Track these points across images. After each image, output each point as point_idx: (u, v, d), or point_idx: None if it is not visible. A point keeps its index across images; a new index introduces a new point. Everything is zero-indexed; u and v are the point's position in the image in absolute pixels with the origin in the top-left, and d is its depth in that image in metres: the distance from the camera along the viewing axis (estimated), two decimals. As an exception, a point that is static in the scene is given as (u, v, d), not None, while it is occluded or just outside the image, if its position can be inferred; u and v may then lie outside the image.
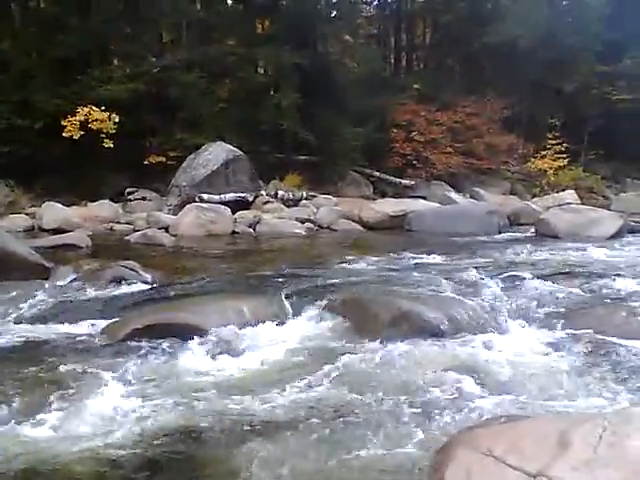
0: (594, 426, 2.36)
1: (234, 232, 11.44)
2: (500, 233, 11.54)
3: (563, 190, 17.51)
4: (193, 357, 4.13)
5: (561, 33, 21.72)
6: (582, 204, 14.62)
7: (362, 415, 3.23)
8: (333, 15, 20.38)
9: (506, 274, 6.51)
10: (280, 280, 6.50)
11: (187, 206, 11.97)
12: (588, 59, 22.21)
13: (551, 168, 19.95)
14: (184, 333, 4.48)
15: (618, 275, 6.53)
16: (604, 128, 22.66)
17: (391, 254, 8.38)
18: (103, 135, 13.91)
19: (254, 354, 4.20)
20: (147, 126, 15.51)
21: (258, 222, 12.05)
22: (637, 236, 10.60)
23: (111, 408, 3.29)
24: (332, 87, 17.88)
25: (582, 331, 4.52)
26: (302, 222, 12.31)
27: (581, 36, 21.63)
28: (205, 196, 12.93)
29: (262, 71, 19.89)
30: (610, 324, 4.64)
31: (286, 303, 5.29)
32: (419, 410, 3.25)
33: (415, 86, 23.21)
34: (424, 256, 8.22)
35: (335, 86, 18.10)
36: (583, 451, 2.26)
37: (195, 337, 4.43)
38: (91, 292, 5.97)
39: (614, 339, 4.35)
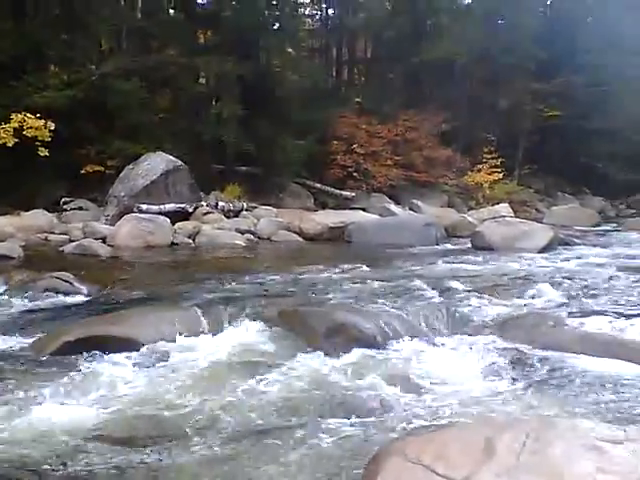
0: (518, 433, 2.44)
1: (173, 243, 11.31)
2: (437, 245, 11.76)
3: (498, 203, 17.96)
4: (125, 370, 4.07)
5: (496, 51, 22.38)
6: (516, 217, 15.02)
7: (294, 425, 3.25)
8: (276, 27, 20.45)
9: (441, 285, 6.63)
10: (218, 291, 6.49)
11: (125, 216, 11.78)
12: (522, 77, 22.90)
13: (487, 182, 20.45)
14: (117, 346, 4.42)
15: (547, 286, 6.76)
16: (537, 143, 23.44)
17: (330, 265, 8.44)
18: (38, 143, 13.52)
19: (187, 366, 4.17)
20: (85, 135, 15.17)
21: (198, 233, 11.95)
22: (567, 248, 10.97)
23: (36, 423, 3.21)
24: (274, 99, 17.92)
25: (511, 341, 4.67)
26: (242, 233, 12.27)
27: (515, 55, 22.32)
28: (144, 206, 12.73)
29: (203, 81, 19.78)
30: (538, 334, 4.80)
31: (223, 315, 5.28)
32: (352, 420, 3.29)
33: (356, 99, 23.49)
34: (362, 267, 8.31)
35: (277, 98, 18.14)
36: (507, 458, 2.32)
37: (128, 350, 4.37)
38: (21, 304, 5.82)
39: (541, 349, 4.50)
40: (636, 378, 3.97)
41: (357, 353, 4.41)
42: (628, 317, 5.17)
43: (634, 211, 22.56)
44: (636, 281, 7.28)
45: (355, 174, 19.29)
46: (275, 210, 15.06)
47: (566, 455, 2.25)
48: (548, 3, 27.91)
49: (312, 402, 3.54)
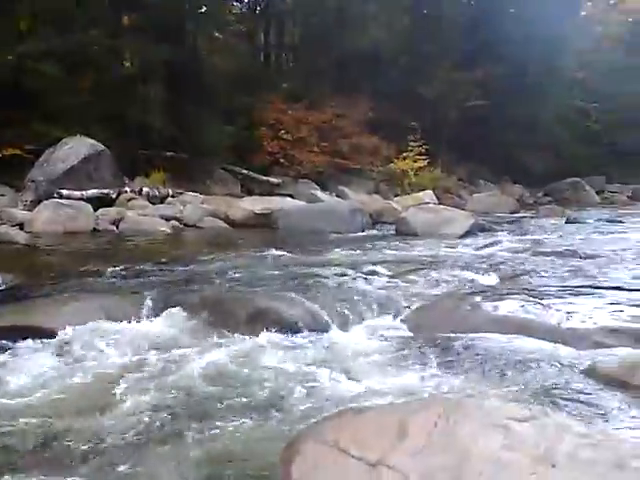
0: (430, 414, 2.50)
1: (95, 229, 11.05)
2: (363, 231, 11.92)
3: (423, 190, 18.33)
4: (42, 360, 3.97)
5: (421, 41, 22.76)
6: (440, 204, 15.38)
7: (213, 413, 3.24)
8: (202, 11, 20.10)
9: (363, 270, 6.73)
10: (140, 278, 6.39)
11: (44, 202, 11.42)
12: (445, 67, 23.36)
13: (412, 169, 20.83)
14: (35, 336, 4.30)
15: (466, 270, 6.97)
16: (460, 132, 23.99)
17: (255, 252, 8.44)
18: (-50, 126, 12.95)
19: (109, 355, 4.10)
20: (1, 117, 14.58)
21: (121, 219, 11.70)
22: (486, 234, 11.31)
23: None
24: (201, 83, 17.65)
25: (428, 325, 4.79)
26: (167, 220, 12.08)
27: (439, 45, 22.76)
28: (64, 192, 12.35)
29: (128, 64, 19.27)
30: (454, 317, 4.94)
31: (145, 302, 5.19)
32: (272, 406, 3.31)
33: (284, 85, 23.43)
34: (288, 254, 8.34)
35: (204, 83, 17.88)
36: (419, 438, 2.39)
37: (47, 339, 4.26)
38: None
39: (457, 332, 4.63)
40: (546, 356, 4.14)
41: (278, 339, 4.43)
42: (541, 298, 5.38)
43: (550, 198, 23.42)
44: (548, 264, 7.59)
45: (282, 160, 19.31)
46: (202, 196, 14.90)
47: (474, 434, 2.33)
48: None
49: (229, 389, 3.54)
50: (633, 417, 3.21)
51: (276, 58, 27.34)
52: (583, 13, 31.12)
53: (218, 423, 3.11)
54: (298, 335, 4.57)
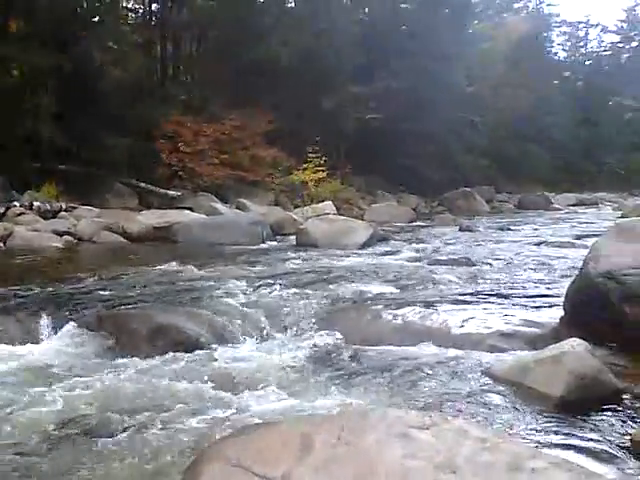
0: (334, 427, 2.50)
1: (-20, 247, 10.45)
2: (264, 242, 11.88)
3: (323, 201, 18.51)
4: None
5: (319, 54, 23.08)
6: (339, 214, 15.57)
7: (112, 435, 3.12)
8: (96, 20, 19.52)
9: (265, 283, 6.68)
10: (33, 297, 6.05)
11: None
12: (343, 80, 23.79)
13: (312, 180, 21.00)
14: None
15: (366, 280, 7.09)
16: (359, 144, 24.48)
17: (154, 266, 8.21)
18: None
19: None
20: None
21: (10, 235, 11.09)
22: (385, 244, 11.53)
23: None
24: (95, 95, 17.13)
25: (330, 336, 4.81)
26: (60, 235, 11.56)
27: (336, 58, 23.17)
28: (-54, 207, 11.64)
29: (16, 73, 18.40)
30: (356, 328, 5.00)
31: (40, 322, 4.95)
32: (172, 424, 3.22)
33: (182, 97, 23.10)
34: (187, 267, 8.15)
35: (99, 93, 17.36)
36: (323, 452, 2.38)
37: None
38: None
39: (359, 343, 4.70)
40: (445, 362, 4.27)
41: (179, 356, 4.34)
42: (438, 305, 5.54)
43: (444, 208, 24.24)
44: (444, 272, 7.83)
45: (181, 173, 19.02)
46: (97, 210, 14.40)
47: (377, 444, 2.35)
48: (366, 11, 29.20)
49: (129, 409, 3.42)
50: (527, 417, 3.36)
51: (174, 70, 26.88)
52: (470, 31, 32.47)
53: (114, 448, 2.99)
54: (199, 351, 4.49)
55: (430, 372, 4.07)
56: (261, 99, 22.83)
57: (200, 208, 15.73)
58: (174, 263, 8.43)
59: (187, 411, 3.41)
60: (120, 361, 4.27)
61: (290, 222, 13.94)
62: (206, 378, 3.91)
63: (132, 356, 4.34)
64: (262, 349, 4.65)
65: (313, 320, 5.30)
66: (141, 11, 26.86)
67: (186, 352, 4.42)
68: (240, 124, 21.28)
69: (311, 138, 22.02)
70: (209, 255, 9.80)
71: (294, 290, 6.36)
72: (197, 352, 4.45)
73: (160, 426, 3.23)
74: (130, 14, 25.96)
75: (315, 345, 4.72)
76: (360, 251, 10.36)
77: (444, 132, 28.69)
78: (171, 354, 4.38)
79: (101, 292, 6.40)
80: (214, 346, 4.59)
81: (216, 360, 4.33)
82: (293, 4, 28.03)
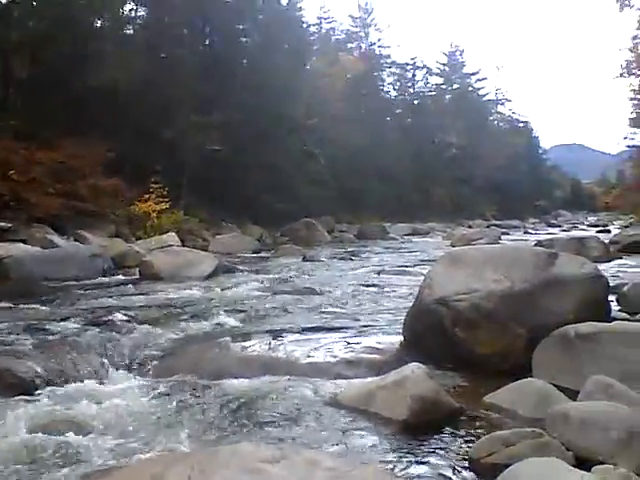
0: (184, 467, 2.47)
1: None
2: (105, 276, 11.43)
3: (166, 232, 18.14)
4: None
5: (159, 83, 22.80)
6: (183, 246, 15.36)
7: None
8: None
9: (106, 319, 6.38)
10: None
11: None
12: (184, 110, 23.62)
13: (154, 211, 20.54)
14: None
15: (212, 312, 7.05)
16: (203, 174, 24.33)
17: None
18: None
19: None
20: None
21: None
22: (230, 275, 11.50)
23: None
24: None
25: (177, 373, 4.73)
26: None
27: (178, 88, 23.01)
28: None
29: None
30: (203, 362, 4.95)
31: None
32: (17, 473, 3.02)
33: (12, 122, 21.76)
34: (21, 306, 7.67)
35: None
36: (173, 492, 2.35)
37: None
38: None
39: (207, 377, 4.65)
40: (294, 392, 4.34)
41: (13, 401, 4.06)
42: (285, 336, 5.63)
43: (287, 238, 24.63)
44: (290, 302, 7.99)
45: (12, 203, 17.81)
46: None
47: (228, 481, 2.35)
48: (206, 43, 29.30)
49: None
50: (375, 443, 3.49)
51: (3, 94, 25.25)
52: (308, 67, 33.56)
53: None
54: (36, 393, 4.23)
55: (280, 403, 4.12)
56: (99, 126, 22.05)
57: (35, 240, 14.84)
58: (5, 302, 7.88)
59: (30, 457, 3.21)
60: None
61: (132, 254, 13.51)
62: (46, 422, 3.68)
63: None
64: (104, 389, 4.46)
65: (156, 357, 5.17)
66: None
67: (20, 396, 4.15)
68: (77, 152, 20.36)
69: (153, 168, 21.57)
70: (45, 292, 9.25)
71: (134, 325, 6.15)
72: (33, 395, 4.19)
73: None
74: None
75: (159, 382, 4.60)
76: (205, 283, 10.26)
77: (286, 164, 29.30)
78: (3, 398, 4.09)
79: None
80: (52, 388, 4.34)
81: (55, 402, 4.09)
82: (132, 31, 27.47)
